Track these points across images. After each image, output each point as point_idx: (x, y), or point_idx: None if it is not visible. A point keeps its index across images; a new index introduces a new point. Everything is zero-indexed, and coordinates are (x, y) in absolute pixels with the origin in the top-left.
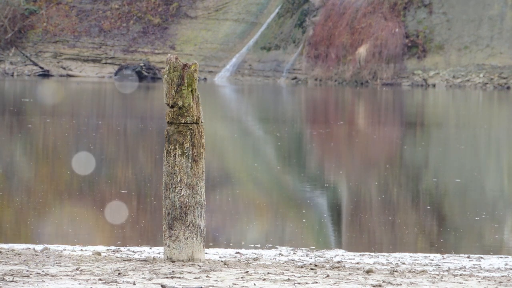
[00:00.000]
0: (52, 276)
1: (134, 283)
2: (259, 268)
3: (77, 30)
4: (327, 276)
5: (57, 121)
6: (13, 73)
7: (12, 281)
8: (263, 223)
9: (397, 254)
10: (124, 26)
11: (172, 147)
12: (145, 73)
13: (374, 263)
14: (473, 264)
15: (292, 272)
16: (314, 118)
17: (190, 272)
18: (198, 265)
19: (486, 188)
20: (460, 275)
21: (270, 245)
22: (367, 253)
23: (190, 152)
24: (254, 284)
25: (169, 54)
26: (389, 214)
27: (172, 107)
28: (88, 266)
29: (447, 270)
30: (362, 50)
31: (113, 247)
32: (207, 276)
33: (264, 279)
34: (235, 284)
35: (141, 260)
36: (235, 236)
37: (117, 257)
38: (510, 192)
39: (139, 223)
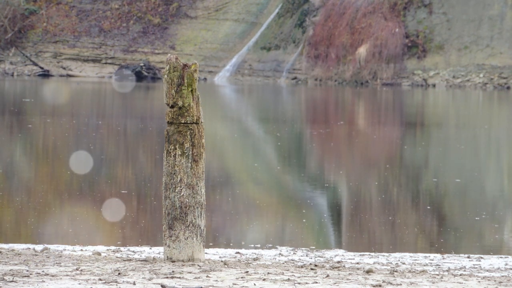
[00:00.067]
0: (52, 276)
1: (134, 283)
2: (259, 268)
3: (77, 30)
4: (327, 276)
5: (57, 121)
6: (13, 73)
7: (12, 281)
8: (263, 223)
9: (397, 254)
10: (124, 26)
11: (172, 147)
12: (145, 73)
13: (374, 263)
14: (473, 264)
15: (292, 272)
16: (314, 118)
17: (190, 272)
18: (198, 265)
19: (486, 188)
20: (460, 275)
21: (270, 245)
22: (367, 253)
23: (190, 152)
24: (254, 284)
25: (169, 54)
26: (389, 214)
27: (172, 107)
28: (88, 266)
29: (447, 270)
30: (362, 50)
31: (113, 247)
32: (207, 276)
33: (264, 279)
34: (235, 284)
35: (141, 260)
36: (235, 236)
37: (117, 257)
38: (510, 192)
39: (139, 223)
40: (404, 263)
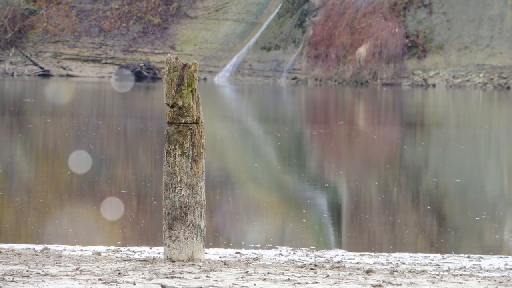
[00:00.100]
0: (52, 276)
1: (134, 283)
2: (259, 268)
3: (77, 30)
4: (327, 276)
5: (57, 121)
6: (13, 73)
7: (12, 281)
8: (263, 223)
9: (397, 254)
10: (124, 26)
11: (172, 147)
12: (145, 73)
13: (374, 263)
14: (473, 264)
15: (292, 272)
16: (314, 118)
17: (190, 272)
18: (198, 265)
19: (486, 188)
20: (460, 275)
21: (270, 245)
22: (367, 253)
23: (190, 152)
24: (254, 284)
25: (169, 54)
26: (389, 214)
27: (172, 107)
28: (88, 266)
29: (447, 270)
30: (362, 50)
31: (113, 247)
32: (207, 276)
33: (264, 279)
34: (235, 284)
35: (141, 260)
36: (235, 236)
37: (117, 257)
38: (510, 192)
39: (139, 223)
40: (404, 263)
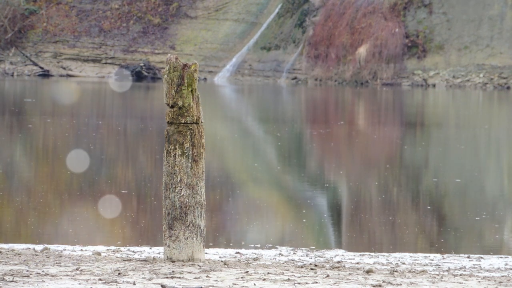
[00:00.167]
0: (52, 276)
1: (134, 283)
2: (259, 268)
3: (77, 30)
4: (327, 276)
5: (57, 121)
6: (13, 73)
7: (12, 281)
8: (263, 223)
9: (397, 254)
10: (124, 26)
11: (172, 147)
12: (145, 73)
13: (374, 263)
14: (473, 264)
15: (292, 272)
16: (314, 118)
17: (190, 272)
18: (198, 265)
19: (486, 188)
20: (460, 275)
21: (270, 245)
22: (367, 253)
23: (190, 152)
24: (254, 284)
25: (169, 54)
26: (389, 214)
27: (172, 107)
28: (88, 266)
29: (447, 270)
30: (362, 50)
31: (113, 247)
32: (207, 276)
33: (264, 279)
34: (235, 284)
35: (141, 260)
36: (235, 236)
37: (117, 257)
38: (510, 192)
39: (139, 223)
40: (404, 263)
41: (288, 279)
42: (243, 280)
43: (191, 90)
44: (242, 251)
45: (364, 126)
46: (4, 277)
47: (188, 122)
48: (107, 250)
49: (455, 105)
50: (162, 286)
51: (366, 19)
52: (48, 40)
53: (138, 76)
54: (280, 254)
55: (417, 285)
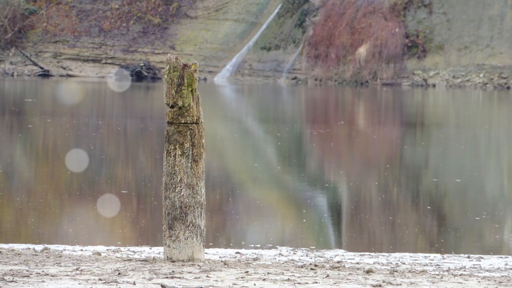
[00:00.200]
0: (52, 276)
1: (134, 283)
2: (259, 268)
3: (77, 30)
4: (327, 276)
5: (57, 121)
6: (13, 73)
7: (12, 281)
8: (263, 223)
9: (397, 254)
10: (124, 26)
11: (172, 147)
12: (145, 73)
13: (374, 263)
14: (473, 264)
15: (292, 272)
16: (314, 118)
17: (190, 272)
18: (198, 265)
19: (486, 188)
20: (460, 275)
21: (270, 245)
22: (367, 253)
23: (190, 152)
24: (254, 284)
25: (169, 54)
26: (389, 214)
27: (172, 107)
28: (88, 266)
29: (447, 270)
30: (362, 50)
31: (113, 247)
32: (207, 276)
33: (264, 279)
34: (235, 284)
35: (141, 260)
36: (235, 236)
37: (117, 257)
38: (510, 192)
39: (139, 223)
40: (404, 263)
41: (288, 279)
42: (243, 280)
43: (191, 90)
44: (242, 251)
45: (364, 126)
46: (4, 277)
47: (188, 122)
48: (107, 250)
49: (455, 105)
50: (162, 286)
51: (366, 19)
52: (48, 40)
53: (138, 76)
54: (280, 254)
55: (417, 285)
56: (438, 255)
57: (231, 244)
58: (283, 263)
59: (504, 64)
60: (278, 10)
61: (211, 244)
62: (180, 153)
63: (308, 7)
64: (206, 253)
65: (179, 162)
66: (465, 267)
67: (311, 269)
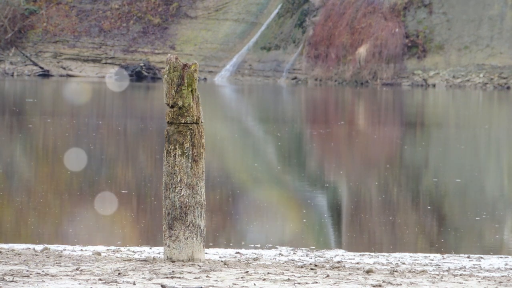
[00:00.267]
0: (52, 276)
1: (134, 283)
2: (259, 268)
3: (77, 30)
4: (327, 276)
5: (57, 121)
6: (13, 73)
7: (12, 281)
8: (263, 223)
9: (397, 254)
10: (124, 26)
11: (172, 147)
12: (145, 73)
13: (374, 263)
14: (473, 264)
15: (292, 272)
16: (314, 118)
17: (190, 272)
18: (198, 265)
19: (486, 188)
20: (460, 275)
21: (270, 245)
22: (367, 253)
23: (190, 152)
24: (254, 284)
25: (169, 54)
26: (389, 214)
27: (172, 107)
28: (88, 266)
29: (447, 270)
30: (362, 50)
31: (113, 247)
32: (207, 276)
33: (264, 279)
34: (235, 284)
35: (141, 260)
36: (235, 236)
37: (117, 257)
38: (510, 192)
39: (139, 223)
40: (404, 263)
41: (288, 279)
42: (243, 280)
43: (191, 90)
44: (242, 251)
45: (364, 126)
46: (4, 277)
47: (188, 122)
48: (107, 250)
49: (455, 105)
50: (162, 286)
51: (366, 19)
52: (48, 40)
53: (138, 76)
54: (280, 254)
55: (417, 285)
56: (438, 255)
57: (231, 244)
58: (283, 263)
59: (504, 64)
60: (278, 10)
61: (211, 244)
62: (180, 153)
63: (308, 7)
64: (206, 253)
65: (179, 162)
66: (465, 267)
67: (311, 269)
